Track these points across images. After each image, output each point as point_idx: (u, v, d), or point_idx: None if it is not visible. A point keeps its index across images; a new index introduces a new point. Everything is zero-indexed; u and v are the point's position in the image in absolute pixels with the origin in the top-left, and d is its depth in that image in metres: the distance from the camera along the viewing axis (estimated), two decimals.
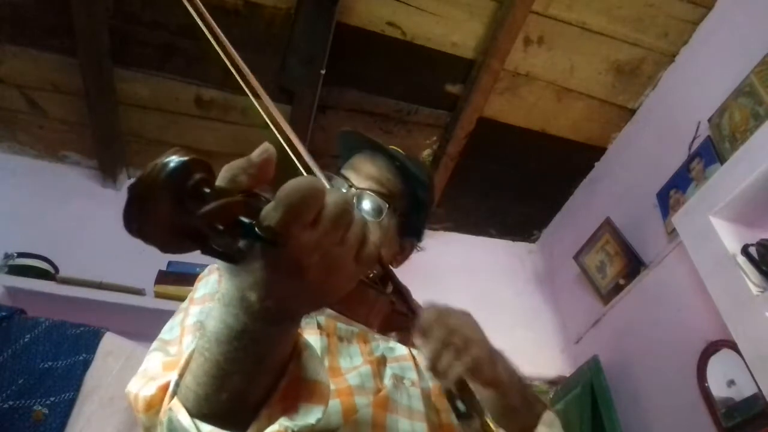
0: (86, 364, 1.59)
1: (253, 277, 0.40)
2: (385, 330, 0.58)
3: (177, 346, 0.67)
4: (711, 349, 1.80)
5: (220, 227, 0.35)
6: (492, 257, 2.84)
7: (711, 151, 1.87)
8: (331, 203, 0.40)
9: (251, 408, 0.47)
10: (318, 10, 1.89)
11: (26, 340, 1.58)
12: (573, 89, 2.30)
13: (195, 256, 0.40)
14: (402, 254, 0.98)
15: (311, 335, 0.73)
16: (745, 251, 1.55)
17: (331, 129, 2.28)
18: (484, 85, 2.17)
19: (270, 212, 0.37)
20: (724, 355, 1.74)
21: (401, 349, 0.79)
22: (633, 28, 2.10)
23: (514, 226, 2.90)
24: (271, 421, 0.46)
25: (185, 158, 0.34)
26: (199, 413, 0.47)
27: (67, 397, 1.52)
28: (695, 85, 2.08)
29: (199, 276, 0.83)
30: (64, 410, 1.50)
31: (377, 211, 0.88)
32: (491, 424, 0.64)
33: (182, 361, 0.51)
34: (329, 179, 0.82)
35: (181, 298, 0.80)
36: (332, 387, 0.66)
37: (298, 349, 0.50)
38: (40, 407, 1.49)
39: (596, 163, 2.61)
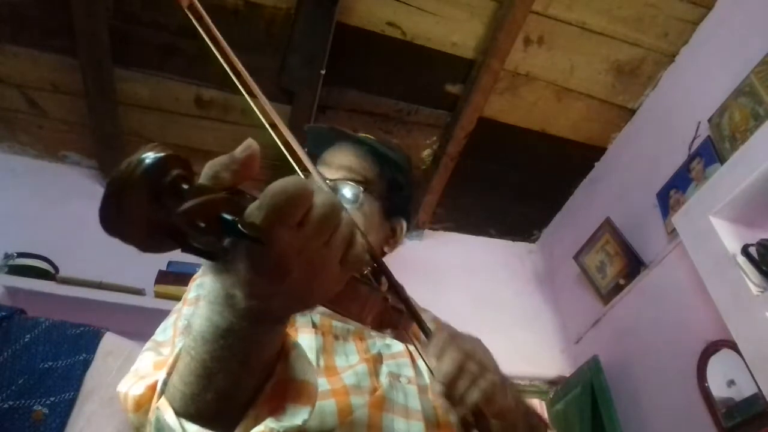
0: (86, 364, 1.59)
1: (237, 275, 0.40)
2: (379, 327, 0.57)
3: (170, 348, 0.67)
4: (711, 349, 1.80)
5: (202, 224, 0.34)
6: (492, 257, 2.84)
7: (711, 151, 1.87)
8: (318, 205, 0.39)
9: (238, 408, 0.46)
10: (318, 10, 1.89)
11: (26, 340, 1.58)
12: (573, 89, 2.30)
13: (195, 256, 0.40)
14: (393, 237, 0.96)
15: (306, 334, 0.73)
16: (745, 251, 1.55)
17: None
18: (484, 85, 2.17)
19: (254, 210, 0.36)
20: (724, 355, 1.74)
21: (398, 346, 0.79)
22: (633, 28, 2.10)
23: (514, 226, 2.90)
24: (257, 422, 0.46)
25: (162, 154, 0.33)
26: (186, 413, 0.46)
27: (67, 397, 1.52)
28: (695, 85, 2.08)
29: (194, 277, 0.82)
30: (64, 410, 1.50)
31: (354, 198, 0.87)
32: None
33: (170, 360, 0.51)
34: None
35: (181, 298, 0.80)
36: (327, 387, 0.65)
37: (286, 349, 0.50)
38: (40, 407, 1.48)
39: (596, 163, 2.61)
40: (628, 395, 2.11)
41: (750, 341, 1.49)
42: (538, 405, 2.55)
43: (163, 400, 0.48)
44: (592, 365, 2.23)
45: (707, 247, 1.66)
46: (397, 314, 0.63)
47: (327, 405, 0.63)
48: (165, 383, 0.50)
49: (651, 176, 2.17)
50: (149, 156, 0.32)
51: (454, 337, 0.63)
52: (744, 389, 1.65)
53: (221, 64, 0.59)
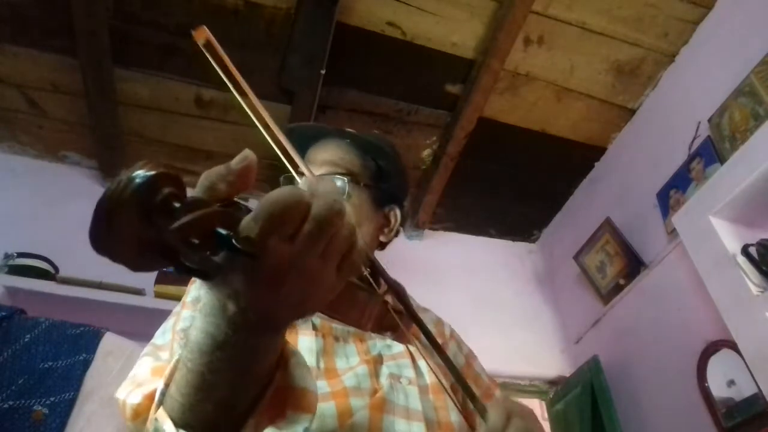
0: (86, 364, 1.59)
1: (231, 288, 0.39)
2: (379, 330, 0.57)
3: (168, 351, 0.67)
4: (711, 349, 1.80)
5: (196, 241, 0.34)
6: (492, 257, 2.84)
7: (711, 151, 1.87)
8: (314, 214, 0.38)
9: (238, 417, 0.46)
10: (318, 10, 1.89)
11: (26, 340, 1.58)
12: (573, 89, 2.30)
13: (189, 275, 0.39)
14: (388, 225, 0.95)
15: (307, 336, 0.73)
16: (745, 251, 1.55)
17: None
18: (484, 85, 2.17)
19: (249, 223, 0.36)
20: (724, 355, 1.74)
21: (398, 347, 0.78)
22: (633, 28, 2.10)
23: (514, 226, 2.90)
24: (258, 430, 0.45)
25: (152, 173, 0.32)
26: (185, 423, 0.46)
27: (67, 397, 1.52)
28: (695, 85, 2.08)
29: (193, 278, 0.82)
30: (64, 410, 1.50)
31: (341, 191, 0.86)
32: None
33: (167, 370, 0.50)
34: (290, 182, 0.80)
35: (181, 299, 0.80)
36: (328, 389, 0.65)
37: (284, 357, 0.49)
38: (40, 407, 1.48)
39: (596, 163, 2.61)
40: (628, 395, 2.11)
41: (750, 341, 1.49)
42: (538, 405, 2.55)
43: (161, 410, 0.48)
44: (592, 365, 2.23)
45: (707, 247, 1.66)
46: (397, 316, 0.63)
47: (327, 407, 0.63)
48: (163, 394, 0.49)
49: (651, 176, 2.17)
50: (139, 175, 0.32)
51: (513, 416, 0.58)
52: (744, 389, 1.65)
53: (236, 97, 0.59)
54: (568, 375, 2.45)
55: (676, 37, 2.15)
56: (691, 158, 1.96)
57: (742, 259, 1.55)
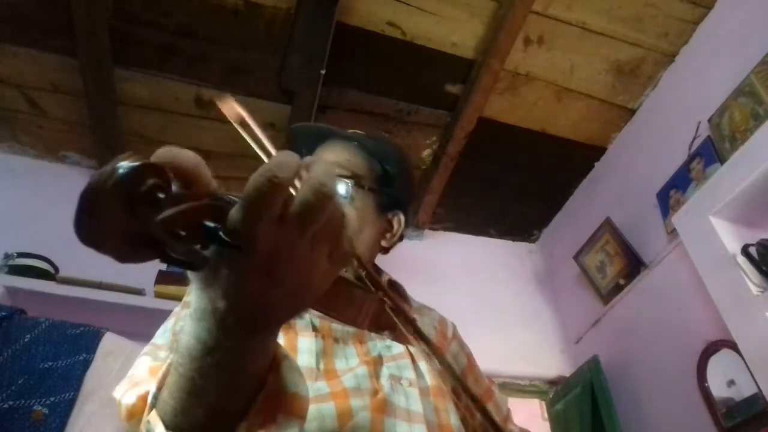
0: (86, 364, 1.59)
1: (221, 285, 0.39)
2: (376, 329, 0.56)
3: (167, 351, 0.66)
4: (711, 349, 1.80)
5: (182, 233, 0.33)
6: (492, 257, 2.84)
7: (711, 151, 1.87)
8: (300, 195, 0.37)
9: (229, 421, 0.45)
10: (318, 10, 1.89)
11: (26, 340, 1.58)
12: (573, 89, 2.30)
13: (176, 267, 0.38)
14: (391, 231, 0.94)
15: (306, 337, 0.72)
16: (745, 251, 1.55)
17: None
18: (484, 85, 2.17)
19: (235, 213, 0.35)
20: (724, 355, 1.74)
21: (398, 347, 0.78)
22: (633, 28, 2.10)
23: (514, 226, 2.90)
24: None
25: (135, 164, 0.32)
26: (176, 427, 0.46)
27: (67, 397, 1.52)
28: (695, 85, 2.08)
29: None
30: (64, 410, 1.50)
31: (345, 194, 0.86)
32: None
33: (160, 373, 0.50)
34: None
35: (181, 298, 0.80)
36: (327, 390, 0.65)
37: (276, 361, 0.49)
38: (40, 407, 1.48)
39: (596, 163, 2.61)
40: (628, 395, 2.11)
41: (750, 341, 1.49)
42: (538, 405, 2.55)
43: (153, 413, 0.47)
44: (592, 365, 2.23)
45: (707, 247, 1.66)
46: (394, 315, 0.62)
47: (326, 408, 0.62)
48: (155, 397, 0.49)
49: (651, 176, 2.17)
50: (123, 166, 0.32)
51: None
52: (744, 389, 1.65)
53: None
54: (568, 375, 2.45)
55: (676, 37, 2.15)
56: (691, 158, 1.96)
57: (742, 259, 1.55)
